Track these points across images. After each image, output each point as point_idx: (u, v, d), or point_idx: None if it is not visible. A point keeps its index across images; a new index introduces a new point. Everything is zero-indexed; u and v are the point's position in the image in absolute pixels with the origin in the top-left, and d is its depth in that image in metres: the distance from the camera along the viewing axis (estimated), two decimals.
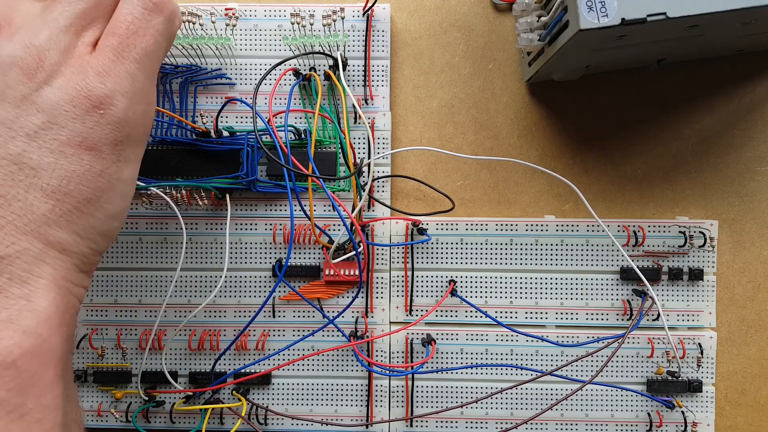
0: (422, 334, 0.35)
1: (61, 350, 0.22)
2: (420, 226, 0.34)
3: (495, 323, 0.34)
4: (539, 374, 0.33)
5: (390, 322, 0.35)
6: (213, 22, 0.34)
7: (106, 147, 0.23)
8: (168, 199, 0.32)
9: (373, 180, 0.34)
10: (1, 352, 0.19)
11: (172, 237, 0.35)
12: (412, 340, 0.35)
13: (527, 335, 0.34)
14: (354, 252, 0.33)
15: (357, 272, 0.34)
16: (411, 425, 0.35)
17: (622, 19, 0.24)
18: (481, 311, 0.34)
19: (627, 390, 0.34)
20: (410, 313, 0.35)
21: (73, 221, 0.22)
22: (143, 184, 0.31)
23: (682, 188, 0.35)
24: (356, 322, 0.35)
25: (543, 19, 0.29)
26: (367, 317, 0.35)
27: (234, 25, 0.34)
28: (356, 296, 0.34)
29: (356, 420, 0.35)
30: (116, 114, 0.23)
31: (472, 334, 0.35)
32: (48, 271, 0.22)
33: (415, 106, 0.36)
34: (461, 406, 0.34)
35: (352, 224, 0.33)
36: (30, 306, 0.20)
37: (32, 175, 0.22)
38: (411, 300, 0.35)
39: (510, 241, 0.35)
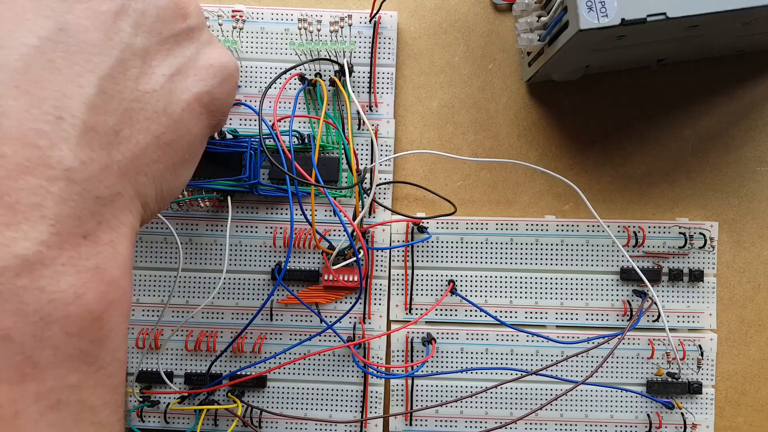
0: (422, 332, 0.34)
1: (131, 303, 0.21)
2: (421, 224, 0.34)
3: (496, 322, 0.34)
4: (525, 373, 0.33)
5: (389, 321, 0.35)
6: (220, 24, 0.34)
7: (218, 113, 0.23)
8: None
9: (376, 186, 0.34)
10: (91, 302, 0.18)
11: (171, 237, 0.35)
12: (412, 339, 0.34)
13: (529, 333, 0.34)
14: (354, 258, 0.33)
15: (356, 278, 0.34)
16: (411, 424, 0.34)
17: (622, 19, 0.24)
18: (482, 310, 0.34)
19: (627, 391, 0.34)
20: (410, 312, 0.35)
21: (165, 179, 0.21)
22: None
23: (682, 188, 0.35)
24: (354, 328, 0.34)
25: (543, 19, 0.29)
26: (365, 323, 0.34)
27: (241, 28, 0.34)
28: (356, 302, 0.34)
29: (350, 427, 0.34)
30: (236, 80, 0.24)
31: (472, 334, 0.34)
32: (129, 220, 0.20)
33: (415, 107, 0.35)
34: (458, 400, 0.34)
35: (353, 231, 0.33)
36: (115, 254, 0.19)
37: (153, 119, 0.20)
38: (411, 299, 0.35)
39: (510, 240, 0.34)
